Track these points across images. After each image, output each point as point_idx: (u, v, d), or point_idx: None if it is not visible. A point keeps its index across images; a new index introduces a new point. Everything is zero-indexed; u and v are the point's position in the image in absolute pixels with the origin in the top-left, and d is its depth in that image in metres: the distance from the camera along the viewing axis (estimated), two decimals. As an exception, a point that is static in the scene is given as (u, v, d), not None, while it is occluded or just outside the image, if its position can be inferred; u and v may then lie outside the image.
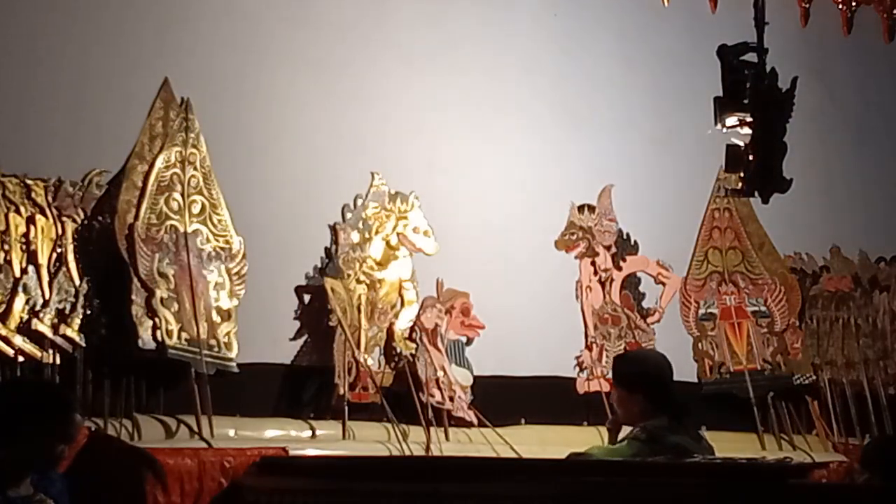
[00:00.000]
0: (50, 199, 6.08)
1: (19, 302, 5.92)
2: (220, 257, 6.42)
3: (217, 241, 6.42)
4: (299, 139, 7.04)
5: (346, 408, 6.52)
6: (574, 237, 7.61)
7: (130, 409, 6.05)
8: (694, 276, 7.95)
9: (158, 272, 6.19)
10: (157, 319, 6.11)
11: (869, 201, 8.89)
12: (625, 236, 7.78)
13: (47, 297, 5.98)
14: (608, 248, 7.68)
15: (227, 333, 6.35)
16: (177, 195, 6.34)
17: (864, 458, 5.76)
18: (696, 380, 7.77)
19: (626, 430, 5.62)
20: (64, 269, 6.04)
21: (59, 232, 6.06)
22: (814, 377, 8.04)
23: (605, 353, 7.50)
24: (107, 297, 6.10)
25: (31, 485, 4.42)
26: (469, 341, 7.12)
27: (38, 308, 5.95)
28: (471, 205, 7.44)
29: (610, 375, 7.30)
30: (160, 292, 6.16)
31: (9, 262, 5.93)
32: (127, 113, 6.43)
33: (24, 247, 5.98)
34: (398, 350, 6.86)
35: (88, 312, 6.04)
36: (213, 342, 6.28)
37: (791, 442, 7.69)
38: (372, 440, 6.45)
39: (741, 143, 6.38)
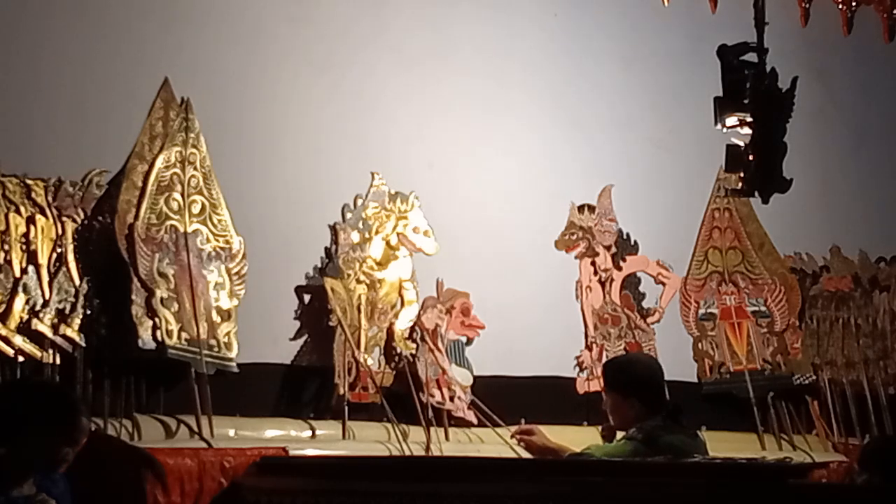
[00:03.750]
0: (50, 199, 6.08)
1: (19, 302, 5.91)
2: (220, 257, 6.42)
3: (217, 241, 6.42)
4: (300, 139, 7.04)
5: (346, 408, 6.52)
6: (574, 237, 7.61)
7: (130, 409, 6.05)
8: (694, 276, 7.95)
9: (158, 272, 6.19)
10: (157, 319, 6.11)
11: (869, 201, 8.88)
12: (625, 236, 7.78)
13: (47, 297, 5.97)
14: (608, 248, 7.68)
15: (227, 333, 6.35)
16: (177, 195, 6.34)
17: (864, 458, 5.76)
18: (696, 380, 7.78)
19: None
20: (64, 269, 6.03)
21: (59, 232, 6.05)
22: (814, 377, 8.04)
23: (605, 353, 7.49)
24: (107, 297, 6.10)
25: (34, 485, 4.43)
26: (469, 341, 7.12)
27: (38, 308, 5.94)
28: (471, 205, 7.44)
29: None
30: (160, 292, 6.15)
31: (9, 262, 5.93)
32: (127, 113, 6.43)
33: (24, 247, 5.97)
34: (398, 350, 6.86)
35: (88, 312, 6.04)
36: (213, 342, 6.28)
37: (791, 442, 7.69)
38: (372, 440, 6.45)
39: (741, 143, 6.39)
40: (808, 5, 8.88)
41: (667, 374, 5.68)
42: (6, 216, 5.96)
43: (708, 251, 8.02)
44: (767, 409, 7.73)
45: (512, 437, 5.99)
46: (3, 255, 5.92)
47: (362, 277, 6.85)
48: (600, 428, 5.92)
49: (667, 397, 5.53)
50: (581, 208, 7.66)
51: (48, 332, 5.93)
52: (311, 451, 6.17)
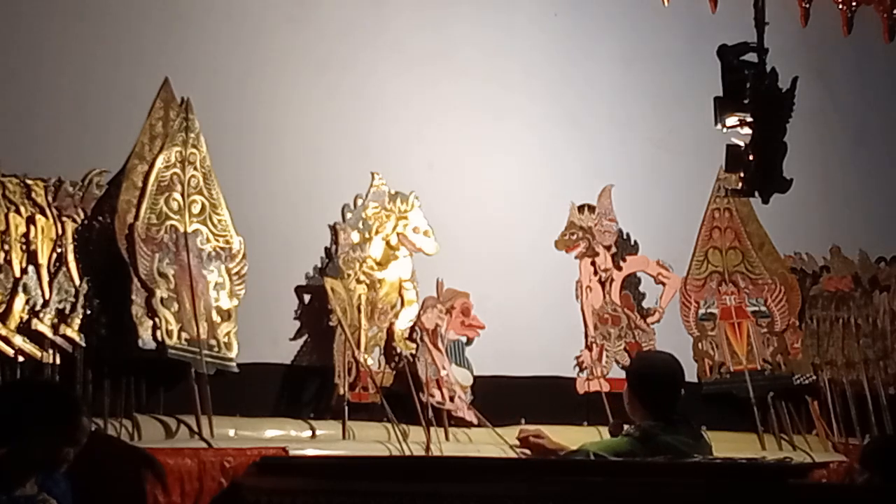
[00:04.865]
0: (50, 199, 6.08)
1: (19, 302, 5.91)
2: (220, 257, 6.41)
3: (217, 241, 6.42)
4: (300, 139, 7.04)
5: (346, 408, 6.52)
6: (574, 237, 7.61)
7: (130, 409, 6.05)
8: (694, 276, 7.95)
9: (158, 272, 6.19)
10: (157, 319, 6.11)
11: (869, 201, 8.89)
12: (625, 236, 7.78)
13: (47, 297, 5.97)
14: (608, 248, 7.67)
15: (227, 333, 6.35)
16: (177, 195, 6.34)
17: (864, 458, 5.76)
18: (696, 380, 7.77)
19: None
20: (64, 269, 6.03)
21: (59, 232, 6.05)
22: (814, 377, 8.04)
23: (605, 353, 7.50)
24: (107, 297, 6.10)
25: (35, 485, 4.44)
26: (469, 341, 7.12)
27: (38, 308, 5.94)
28: (471, 205, 7.44)
29: (610, 375, 7.39)
30: (160, 292, 6.15)
31: (9, 262, 5.92)
32: (127, 113, 6.43)
33: (24, 247, 5.97)
34: (398, 350, 6.86)
35: (88, 312, 6.03)
36: (213, 342, 6.28)
37: (791, 442, 7.69)
38: (372, 440, 6.45)
39: (741, 143, 6.39)
40: (808, 5, 8.88)
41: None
42: (6, 216, 5.95)
43: (708, 251, 8.02)
44: (767, 409, 7.73)
45: (521, 445, 6.01)
46: (3, 255, 5.91)
47: (362, 277, 6.84)
48: (610, 424, 5.94)
49: (674, 401, 5.54)
50: (581, 208, 7.66)
51: (48, 332, 5.92)
52: (311, 451, 6.17)
